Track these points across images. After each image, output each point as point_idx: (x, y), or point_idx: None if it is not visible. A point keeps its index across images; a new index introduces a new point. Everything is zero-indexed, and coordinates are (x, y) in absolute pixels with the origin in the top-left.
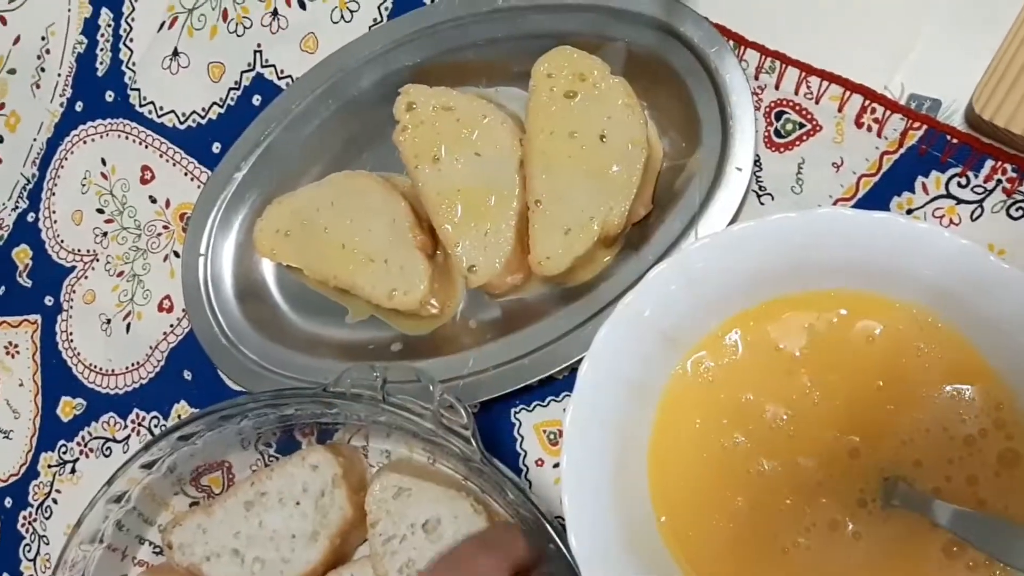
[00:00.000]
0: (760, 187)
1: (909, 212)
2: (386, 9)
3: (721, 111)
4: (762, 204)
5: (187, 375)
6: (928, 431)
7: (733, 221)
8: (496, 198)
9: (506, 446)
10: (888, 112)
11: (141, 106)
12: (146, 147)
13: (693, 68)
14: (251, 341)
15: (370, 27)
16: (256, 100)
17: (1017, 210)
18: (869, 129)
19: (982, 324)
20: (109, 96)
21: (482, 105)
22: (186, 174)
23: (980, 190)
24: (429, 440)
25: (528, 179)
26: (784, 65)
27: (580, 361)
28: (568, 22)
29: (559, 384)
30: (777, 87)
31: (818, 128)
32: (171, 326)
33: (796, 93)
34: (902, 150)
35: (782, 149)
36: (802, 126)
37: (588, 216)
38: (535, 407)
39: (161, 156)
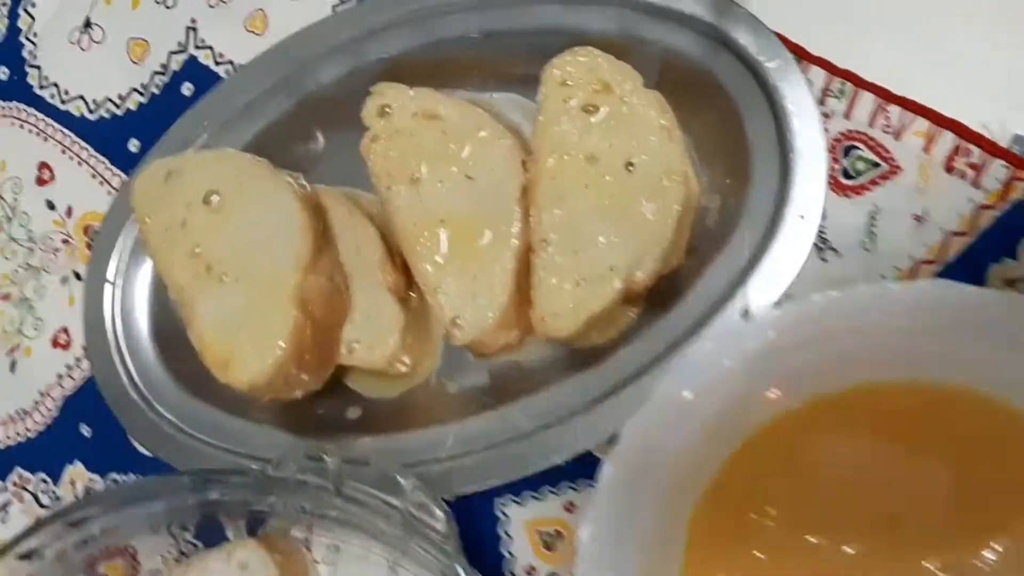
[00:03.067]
0: (822, 239)
1: (1010, 284)
2: None
3: (780, 141)
4: (824, 261)
5: (85, 431)
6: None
7: (792, 283)
8: (491, 234)
9: (487, 546)
10: (987, 156)
11: (41, 88)
12: (45, 139)
13: (746, 85)
14: (169, 396)
15: (335, 7)
16: (187, 89)
17: None
18: (962, 176)
19: None
20: (2, 73)
21: (477, 115)
22: (94, 176)
23: None
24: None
25: (533, 213)
26: (857, 88)
27: (591, 451)
28: (589, 17)
29: (560, 471)
30: (847, 116)
31: (897, 170)
32: (68, 367)
33: (871, 125)
34: (1005, 205)
35: (850, 193)
36: (877, 166)
37: (607, 266)
38: (527, 499)
39: (64, 152)
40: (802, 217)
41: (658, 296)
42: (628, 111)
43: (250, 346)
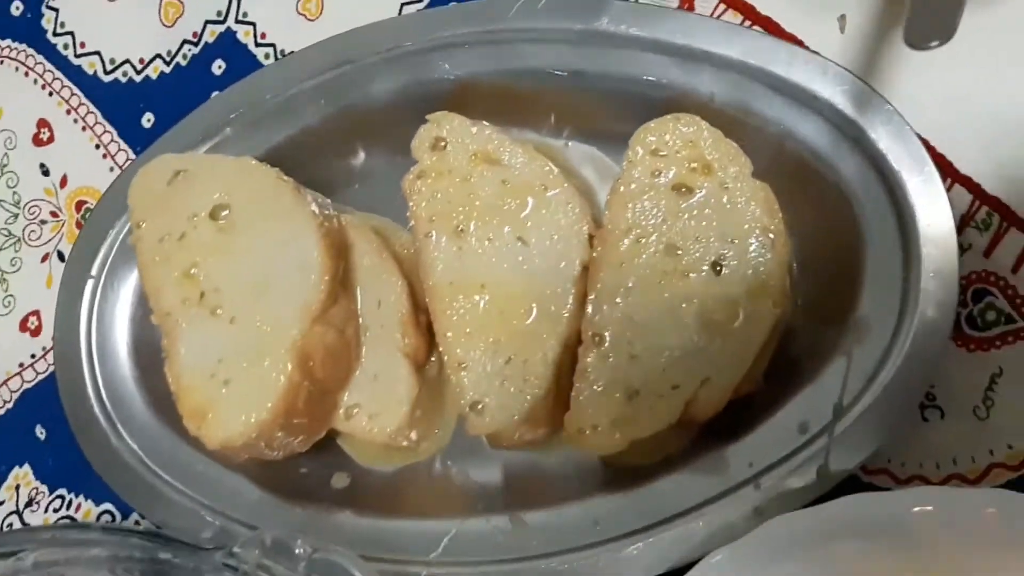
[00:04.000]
0: (928, 394)
1: None
2: None
3: (906, 273)
4: (925, 420)
5: (40, 433)
6: None
7: (886, 443)
8: (538, 313)
9: None
10: None
11: (56, 35)
12: (51, 94)
13: (875, 195)
14: (137, 420)
15: (402, 6)
16: (218, 67)
17: None
18: None
19: None
20: (16, 8)
21: (545, 169)
22: (98, 147)
23: None
24: None
25: (591, 298)
26: (1006, 224)
27: None
28: (701, 78)
29: None
30: (987, 254)
31: None
32: (33, 356)
33: (1014, 271)
34: None
35: (972, 346)
36: (1011, 321)
37: (670, 382)
38: None
39: (69, 113)
40: (917, 374)
41: (719, 424)
42: (728, 201)
43: (233, 400)
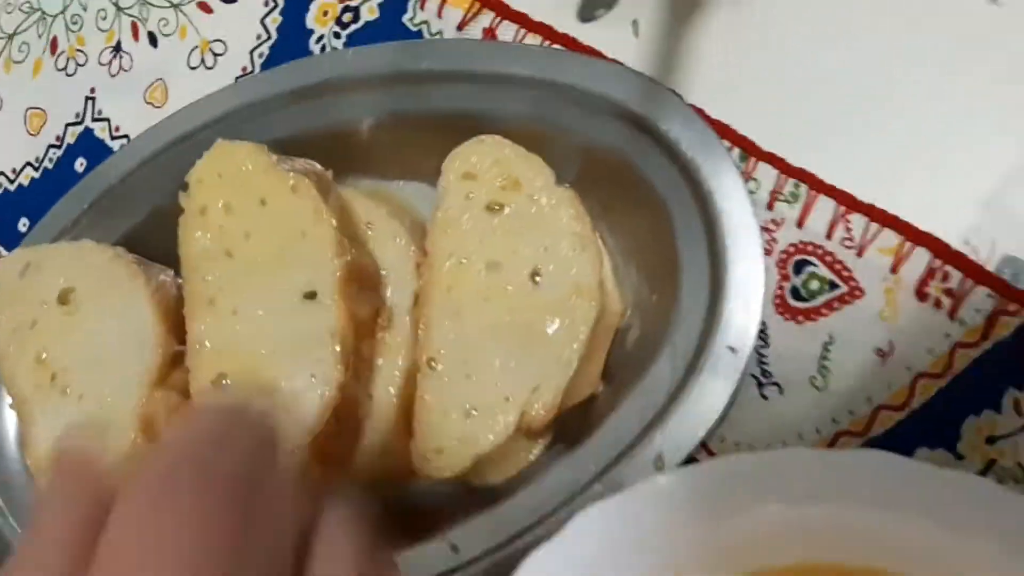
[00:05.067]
0: (764, 371)
1: (991, 441)
2: (260, 56)
3: (712, 253)
4: (765, 398)
5: None
6: None
7: (717, 426)
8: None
9: None
10: (969, 282)
11: None
12: None
13: (676, 185)
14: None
15: (237, 78)
16: (80, 165)
17: None
18: (938, 305)
19: None
20: None
21: (368, 208)
22: None
23: None
24: None
25: (421, 325)
26: (813, 192)
27: None
28: (503, 100)
29: None
30: (800, 224)
31: (859, 293)
32: None
33: (828, 237)
34: (987, 344)
35: (800, 318)
36: (834, 287)
37: (503, 395)
38: None
39: None
40: (732, 349)
41: (570, 429)
42: (536, 212)
43: None
